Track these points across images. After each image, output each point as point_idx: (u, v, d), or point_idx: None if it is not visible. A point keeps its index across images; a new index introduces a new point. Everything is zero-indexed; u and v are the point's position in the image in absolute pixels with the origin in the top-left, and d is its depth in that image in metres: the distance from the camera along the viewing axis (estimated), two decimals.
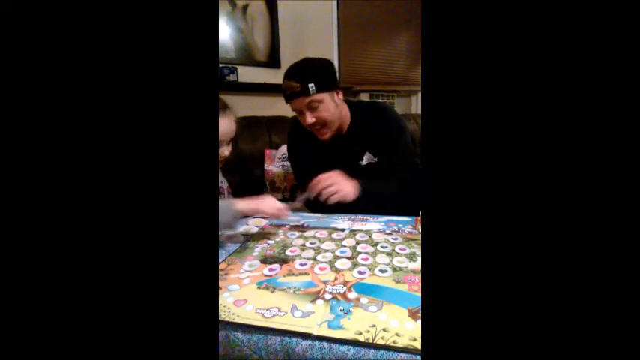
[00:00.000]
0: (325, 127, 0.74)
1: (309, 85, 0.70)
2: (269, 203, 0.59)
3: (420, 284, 0.38)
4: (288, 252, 0.49)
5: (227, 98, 0.69)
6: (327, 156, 0.79)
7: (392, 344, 0.28)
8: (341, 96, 0.78)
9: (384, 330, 0.30)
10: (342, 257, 0.46)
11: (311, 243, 0.52)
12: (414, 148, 0.81)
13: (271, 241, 0.54)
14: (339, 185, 0.66)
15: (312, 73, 0.71)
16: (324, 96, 0.72)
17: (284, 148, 1.29)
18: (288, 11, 1.86)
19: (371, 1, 2.12)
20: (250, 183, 1.30)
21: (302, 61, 0.75)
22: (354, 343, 0.29)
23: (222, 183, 0.78)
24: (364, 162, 0.80)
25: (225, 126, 0.68)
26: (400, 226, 0.59)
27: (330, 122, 0.74)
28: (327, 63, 0.76)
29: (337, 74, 0.85)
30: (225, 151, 0.70)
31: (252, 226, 0.63)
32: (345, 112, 0.80)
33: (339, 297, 0.36)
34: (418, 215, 0.66)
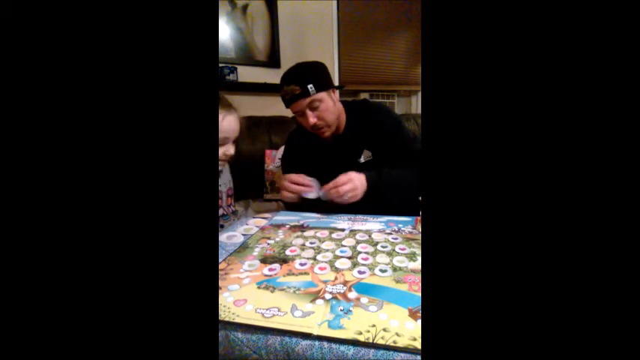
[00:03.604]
0: (326, 125, 0.77)
1: (309, 86, 0.72)
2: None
3: (420, 284, 0.38)
4: (288, 252, 0.49)
5: (228, 98, 0.70)
6: (325, 157, 0.80)
7: (392, 344, 0.28)
8: (337, 94, 0.80)
9: (384, 330, 0.30)
10: (342, 257, 0.46)
11: (311, 243, 0.52)
12: (414, 140, 0.81)
13: (271, 241, 0.54)
14: (355, 185, 0.67)
15: (309, 75, 0.74)
16: (323, 95, 0.75)
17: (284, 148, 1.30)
18: (288, 11, 1.86)
19: (371, 1, 2.12)
20: (250, 183, 1.30)
21: (295, 66, 0.77)
22: (354, 343, 0.29)
23: (225, 185, 0.78)
24: (362, 160, 0.80)
25: (232, 124, 0.69)
26: (400, 226, 0.59)
27: (330, 120, 0.77)
28: (321, 64, 0.79)
29: (335, 74, 0.89)
30: (230, 149, 0.71)
31: (253, 226, 0.63)
32: (341, 110, 0.82)
33: (339, 297, 0.36)
34: (418, 215, 0.66)
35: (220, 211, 0.75)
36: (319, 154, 0.81)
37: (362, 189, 0.68)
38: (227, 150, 0.70)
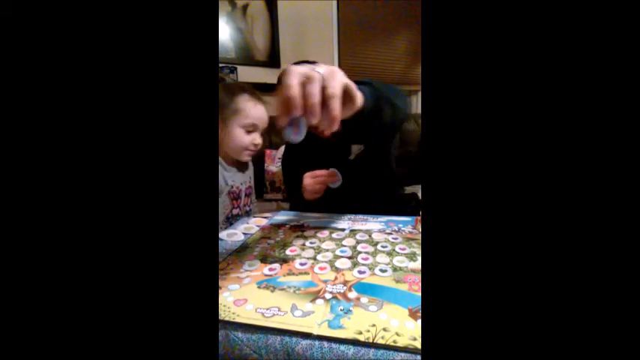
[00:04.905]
0: None
1: None
2: None
3: (420, 284, 0.38)
4: (288, 252, 0.49)
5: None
6: (326, 155, 0.80)
7: (392, 344, 0.28)
8: None
9: (384, 330, 0.30)
10: (342, 257, 0.46)
11: (311, 243, 0.52)
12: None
13: (271, 241, 0.54)
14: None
15: (309, 64, 0.74)
16: None
17: (284, 148, 1.30)
18: (288, 11, 1.86)
19: (371, 1, 2.12)
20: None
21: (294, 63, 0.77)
22: (354, 342, 0.29)
23: (245, 183, 0.78)
24: (352, 157, 0.80)
25: (260, 112, 0.72)
26: (400, 226, 0.59)
27: None
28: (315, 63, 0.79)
29: None
30: (257, 138, 0.72)
31: (253, 225, 0.63)
32: None
33: (339, 297, 0.36)
34: (418, 215, 0.66)
35: (236, 211, 0.74)
36: (320, 152, 0.82)
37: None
38: (254, 139, 0.71)
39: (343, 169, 0.70)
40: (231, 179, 0.72)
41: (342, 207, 0.70)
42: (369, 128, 0.55)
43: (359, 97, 0.43)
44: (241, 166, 0.77)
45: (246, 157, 0.74)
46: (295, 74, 0.33)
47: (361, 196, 0.72)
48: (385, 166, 0.84)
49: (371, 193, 0.76)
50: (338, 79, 0.34)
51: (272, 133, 1.45)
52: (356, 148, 0.80)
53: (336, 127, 0.35)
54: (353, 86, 0.40)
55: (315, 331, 0.31)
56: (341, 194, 0.76)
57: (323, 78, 0.34)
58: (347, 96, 0.39)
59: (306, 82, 0.33)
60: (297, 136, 0.39)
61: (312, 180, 0.71)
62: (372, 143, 0.78)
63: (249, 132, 0.70)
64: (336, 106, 0.33)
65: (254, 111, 0.70)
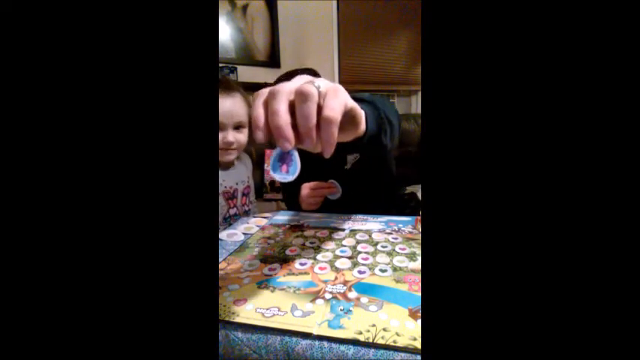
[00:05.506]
0: None
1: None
2: None
3: (420, 284, 0.38)
4: (288, 252, 0.49)
5: (232, 82, 0.69)
6: (322, 160, 0.80)
7: (392, 344, 0.28)
8: None
9: (384, 330, 0.30)
10: (342, 257, 0.46)
11: (311, 243, 0.52)
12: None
13: (271, 241, 0.54)
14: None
15: (309, 72, 0.73)
16: None
17: None
18: (288, 11, 1.86)
19: (371, 1, 2.12)
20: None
21: (286, 74, 0.76)
22: (354, 342, 0.29)
23: (243, 183, 0.76)
24: (348, 166, 0.80)
25: (226, 107, 0.64)
26: (400, 225, 0.59)
27: None
28: (312, 71, 0.78)
29: (335, 74, 0.88)
30: (228, 136, 0.66)
31: (253, 225, 0.63)
32: None
33: (339, 297, 0.36)
34: (418, 215, 0.66)
35: (234, 211, 0.74)
36: (314, 161, 0.81)
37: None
38: (224, 137, 0.66)
39: (340, 179, 0.70)
40: (222, 179, 0.71)
41: (340, 212, 0.70)
42: (367, 150, 0.51)
43: (362, 122, 0.37)
44: (224, 166, 0.74)
45: (222, 157, 0.68)
46: (282, 95, 0.26)
47: (360, 203, 0.72)
48: (384, 171, 0.84)
49: (370, 199, 0.75)
50: (340, 99, 0.28)
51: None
52: (351, 158, 0.80)
53: (328, 155, 0.28)
54: (357, 109, 0.34)
55: (315, 331, 0.31)
56: (339, 203, 0.75)
57: (321, 95, 0.27)
58: (349, 120, 0.33)
59: (298, 101, 0.26)
60: (287, 175, 0.31)
61: (310, 192, 0.70)
62: (368, 156, 0.77)
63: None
64: (332, 132, 0.27)
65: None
